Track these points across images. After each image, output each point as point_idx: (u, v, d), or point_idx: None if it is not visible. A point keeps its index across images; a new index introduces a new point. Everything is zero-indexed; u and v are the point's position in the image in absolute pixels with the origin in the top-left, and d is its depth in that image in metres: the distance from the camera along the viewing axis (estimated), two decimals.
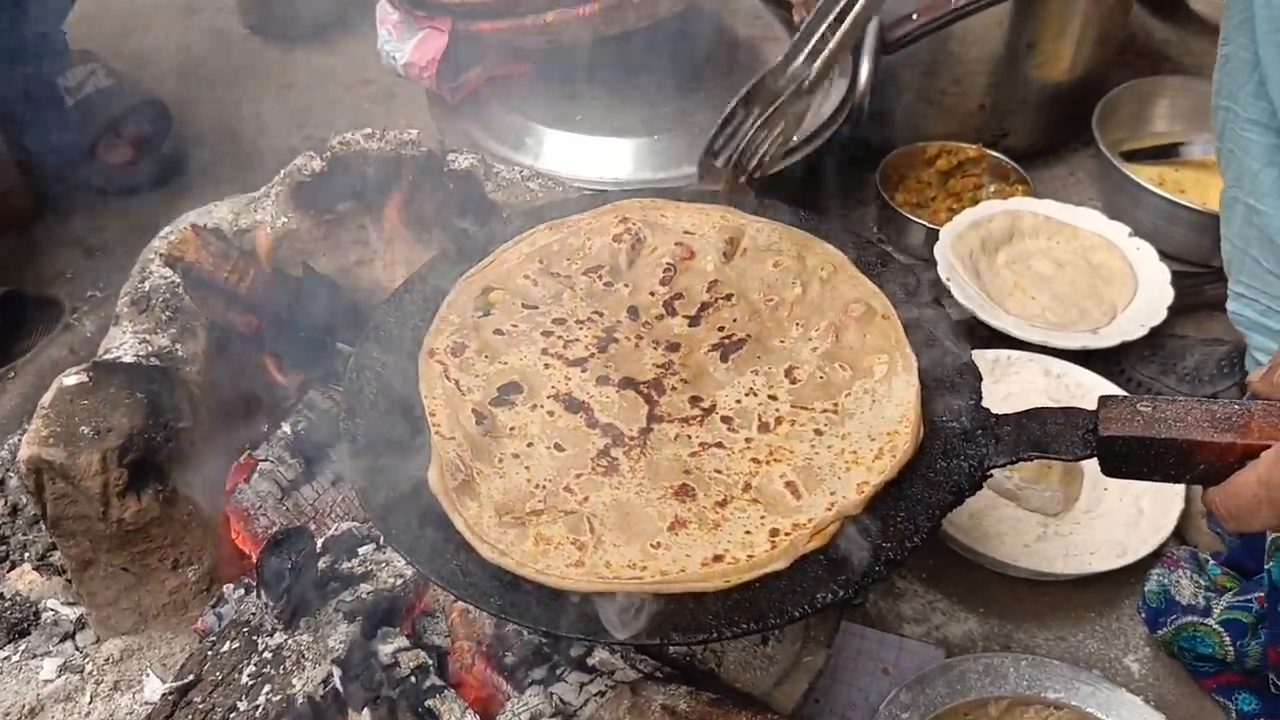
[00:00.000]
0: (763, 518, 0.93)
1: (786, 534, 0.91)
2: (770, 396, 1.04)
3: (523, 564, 0.89)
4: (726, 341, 1.09)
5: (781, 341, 1.09)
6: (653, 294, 1.15)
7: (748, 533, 0.92)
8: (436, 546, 0.91)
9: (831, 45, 1.20)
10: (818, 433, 1.00)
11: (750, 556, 0.89)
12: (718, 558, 0.89)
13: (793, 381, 1.05)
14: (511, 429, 0.99)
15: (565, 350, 1.07)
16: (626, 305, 1.13)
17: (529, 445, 0.98)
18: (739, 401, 1.03)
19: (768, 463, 0.98)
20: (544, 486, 0.95)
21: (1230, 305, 1.35)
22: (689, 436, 1.00)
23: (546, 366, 1.06)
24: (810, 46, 1.21)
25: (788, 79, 1.21)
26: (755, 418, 1.02)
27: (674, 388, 1.05)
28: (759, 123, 1.21)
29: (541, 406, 1.02)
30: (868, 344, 1.07)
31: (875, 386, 1.03)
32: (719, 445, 0.99)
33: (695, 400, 1.03)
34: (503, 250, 1.17)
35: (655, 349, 1.09)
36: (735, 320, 1.11)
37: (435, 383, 1.03)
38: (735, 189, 1.23)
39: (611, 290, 1.15)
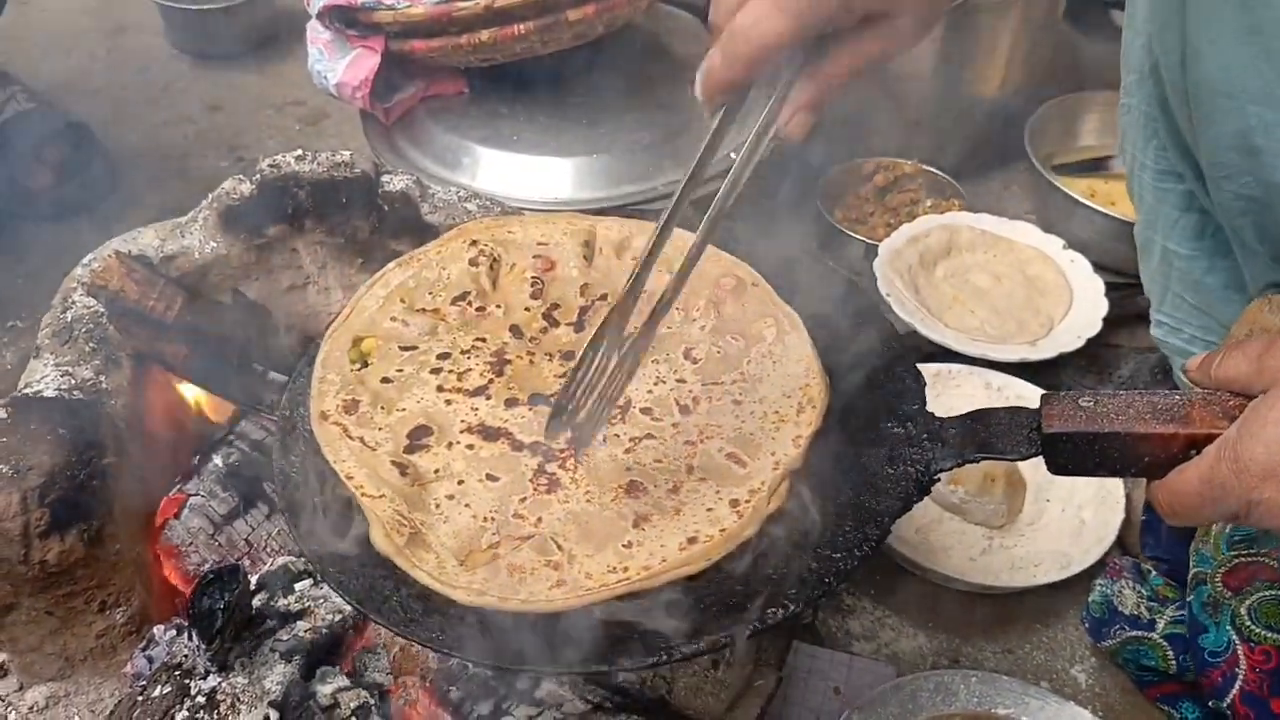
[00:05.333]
0: (718, 492, 0.93)
1: (746, 501, 0.92)
2: (679, 380, 1.04)
3: (505, 598, 0.86)
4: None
5: (668, 328, 1.10)
6: (528, 309, 1.13)
7: (710, 510, 0.92)
8: (379, 588, 0.88)
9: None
10: (736, 403, 1.02)
11: (722, 530, 0.90)
12: (691, 540, 0.89)
13: (693, 362, 1.06)
14: (436, 472, 0.96)
15: (461, 382, 1.04)
16: (507, 326, 1.11)
17: (460, 483, 0.95)
18: (650, 391, 1.04)
19: (701, 441, 0.99)
20: (492, 519, 0.92)
21: (1155, 331, 1.35)
22: (616, 435, 0.99)
23: (449, 403, 1.02)
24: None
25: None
26: (673, 403, 1.02)
27: None
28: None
29: (458, 443, 0.98)
30: (748, 312, 1.09)
31: (771, 349, 1.06)
32: (649, 436, 0.99)
33: None
34: (359, 298, 1.13)
35: (551, 361, 1.07)
36: None
37: (339, 446, 0.98)
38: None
39: (485, 314, 1.12)
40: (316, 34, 1.79)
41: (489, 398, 1.03)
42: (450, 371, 1.05)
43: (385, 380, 1.04)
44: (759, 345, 1.07)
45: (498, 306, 1.13)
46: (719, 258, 1.13)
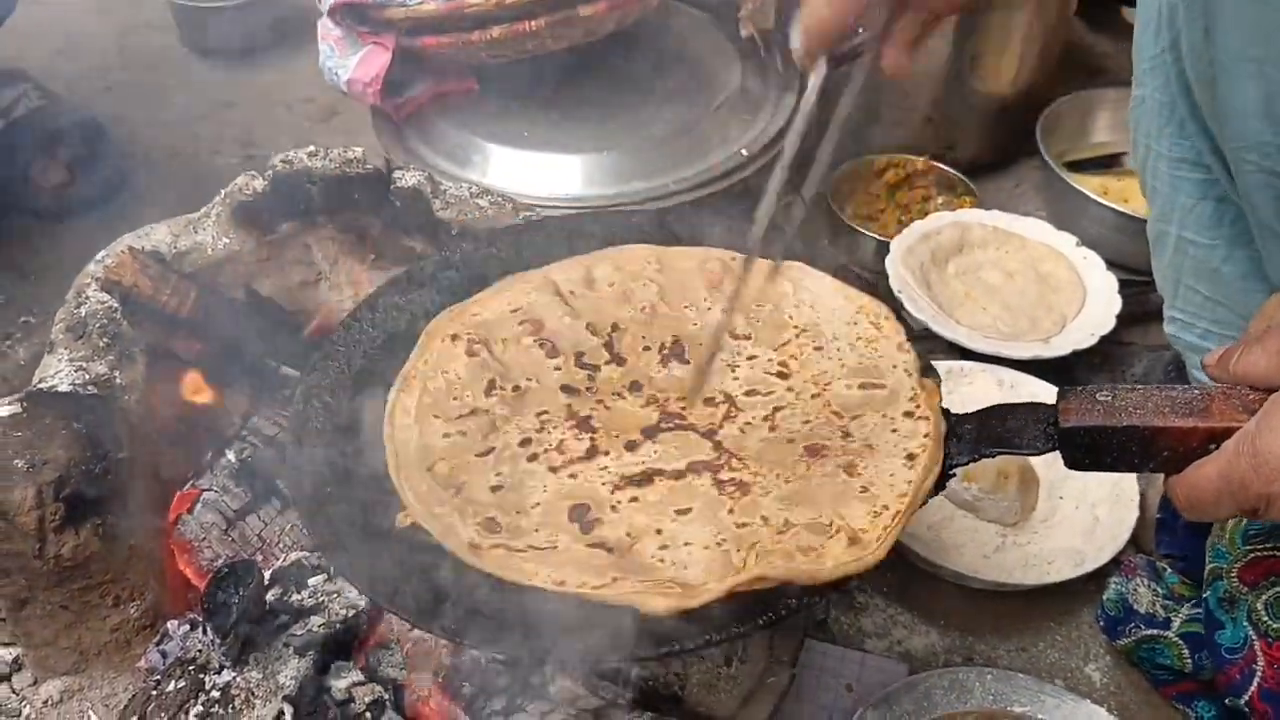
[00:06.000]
0: (883, 415, 0.96)
1: (918, 408, 0.95)
2: (749, 358, 1.04)
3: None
4: (663, 352, 1.07)
5: (696, 325, 1.09)
6: (558, 369, 1.07)
7: (894, 430, 0.94)
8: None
9: None
10: (818, 349, 1.04)
11: (926, 435, 0.93)
12: (911, 456, 0.91)
13: (746, 339, 1.06)
14: (628, 535, 0.89)
15: (565, 454, 0.97)
16: (554, 390, 1.05)
17: (659, 532, 0.89)
18: (735, 379, 1.03)
19: (824, 390, 1.00)
20: (723, 540, 0.88)
21: (1168, 328, 1.34)
22: (749, 423, 0.99)
23: (573, 477, 0.95)
24: None
25: None
26: (767, 376, 1.02)
27: (682, 408, 1.01)
28: None
29: (620, 504, 0.92)
30: (750, 283, 1.08)
31: (800, 297, 1.07)
32: (778, 409, 0.99)
33: (709, 401, 1.01)
34: (389, 436, 1.00)
35: (623, 399, 1.03)
36: (643, 337, 1.09)
37: (524, 567, 0.87)
38: None
39: (523, 391, 1.05)
40: (328, 31, 1.79)
41: (607, 453, 0.97)
42: (546, 451, 0.98)
43: (495, 489, 0.95)
44: (786, 299, 1.06)
45: (527, 379, 1.06)
46: (689, 253, 1.13)
